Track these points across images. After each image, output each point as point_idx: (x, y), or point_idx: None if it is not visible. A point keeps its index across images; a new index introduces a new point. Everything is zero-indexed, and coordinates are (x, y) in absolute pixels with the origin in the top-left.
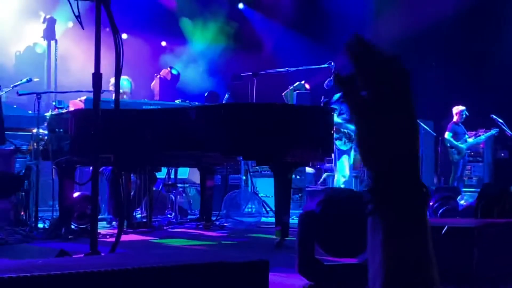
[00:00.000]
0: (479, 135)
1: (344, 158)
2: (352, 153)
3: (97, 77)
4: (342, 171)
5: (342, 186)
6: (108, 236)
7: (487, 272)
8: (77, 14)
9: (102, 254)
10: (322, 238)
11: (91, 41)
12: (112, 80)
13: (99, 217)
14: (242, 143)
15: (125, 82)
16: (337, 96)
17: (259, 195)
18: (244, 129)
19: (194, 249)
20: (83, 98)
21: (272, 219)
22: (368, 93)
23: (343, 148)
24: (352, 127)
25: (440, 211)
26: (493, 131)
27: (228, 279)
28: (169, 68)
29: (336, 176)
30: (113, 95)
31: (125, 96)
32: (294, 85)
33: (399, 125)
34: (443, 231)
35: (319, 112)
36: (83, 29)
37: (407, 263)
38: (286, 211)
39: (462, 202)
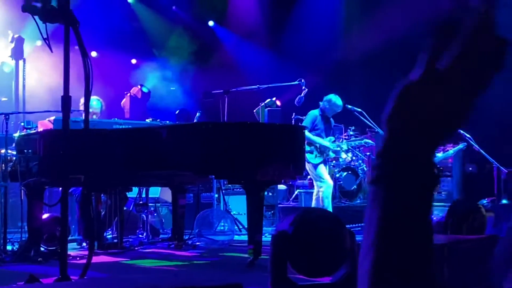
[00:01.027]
0: (448, 150)
1: (321, 167)
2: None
3: (66, 99)
4: (325, 180)
5: (326, 195)
6: (78, 258)
7: None
8: (45, 36)
9: (73, 279)
10: (295, 258)
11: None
12: (82, 100)
13: (69, 238)
14: (214, 162)
15: (95, 102)
16: (312, 112)
17: (232, 212)
18: (216, 148)
19: (166, 271)
20: (52, 118)
21: (245, 237)
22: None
23: (314, 161)
24: (323, 142)
25: None
26: (461, 146)
27: None
28: (139, 86)
29: (322, 188)
30: (83, 115)
31: (94, 116)
32: (265, 102)
33: (458, 104)
34: None
35: (290, 130)
36: (52, 51)
37: (403, 246)
38: (259, 229)
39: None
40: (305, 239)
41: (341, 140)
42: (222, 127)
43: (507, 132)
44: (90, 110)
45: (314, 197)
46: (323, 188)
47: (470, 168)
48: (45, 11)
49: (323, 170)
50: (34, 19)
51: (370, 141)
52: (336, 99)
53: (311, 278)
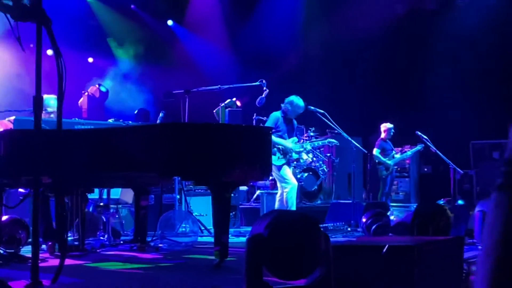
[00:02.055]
0: (405, 151)
1: (285, 169)
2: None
3: (38, 100)
4: (290, 181)
5: (291, 195)
6: (39, 261)
7: None
8: (17, 35)
9: (44, 284)
10: (270, 261)
11: (18, 59)
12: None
13: (28, 240)
14: (180, 163)
15: (52, 101)
16: (274, 114)
17: (194, 214)
18: (182, 149)
19: (139, 275)
20: (12, 118)
21: (208, 239)
22: None
23: (278, 163)
24: (286, 143)
25: (373, 227)
26: (418, 147)
27: None
28: (97, 85)
29: (286, 189)
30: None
31: (52, 115)
32: (226, 102)
33: None
34: (383, 250)
35: (256, 131)
36: (24, 51)
37: None
38: (225, 231)
39: (392, 217)
40: (280, 242)
41: (302, 141)
42: (188, 128)
43: (462, 134)
44: (49, 109)
45: (277, 198)
46: (287, 189)
47: (426, 169)
48: (17, 9)
49: (287, 171)
50: (7, 17)
51: (333, 140)
52: (298, 100)
53: (286, 281)
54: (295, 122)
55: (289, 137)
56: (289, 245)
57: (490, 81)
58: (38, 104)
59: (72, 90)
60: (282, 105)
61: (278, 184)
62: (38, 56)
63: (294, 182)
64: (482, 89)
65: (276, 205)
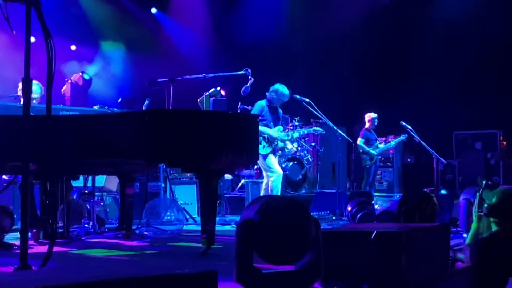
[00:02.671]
0: (389, 141)
1: (270, 158)
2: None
3: (27, 82)
4: (275, 170)
5: (276, 184)
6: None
7: (414, 275)
8: (6, 15)
9: (33, 267)
10: (261, 246)
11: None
12: (21, 84)
13: (14, 227)
14: (167, 150)
15: (35, 86)
16: (259, 103)
17: (179, 202)
18: (169, 136)
19: (130, 261)
20: None
21: (193, 227)
22: None
23: (263, 152)
24: (271, 132)
25: (358, 216)
26: (402, 137)
27: None
28: (80, 73)
29: (272, 178)
30: (21, 100)
31: (34, 101)
32: (210, 91)
33: None
34: (372, 237)
35: (244, 119)
36: (13, 32)
37: None
38: (212, 219)
39: (376, 206)
40: (271, 227)
41: (287, 130)
42: (175, 115)
43: (446, 125)
44: (32, 95)
45: (263, 187)
46: (273, 178)
47: (409, 159)
48: None
49: (273, 160)
50: None
51: (319, 128)
52: (283, 88)
53: (276, 266)
54: (280, 110)
55: (275, 126)
56: (279, 231)
57: (473, 72)
58: (27, 86)
59: (55, 77)
60: (267, 93)
61: (264, 173)
62: (27, 38)
63: (279, 171)
64: (465, 80)
65: (262, 194)
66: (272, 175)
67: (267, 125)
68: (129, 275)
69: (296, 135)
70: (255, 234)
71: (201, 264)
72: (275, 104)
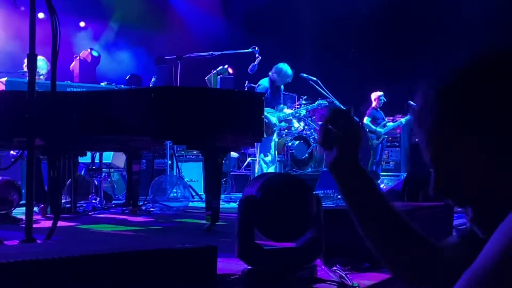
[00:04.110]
0: (397, 120)
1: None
2: (275, 138)
3: (32, 57)
4: (266, 150)
5: (266, 166)
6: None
7: None
8: None
9: (38, 241)
10: (262, 223)
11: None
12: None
13: (21, 202)
14: (173, 127)
15: (41, 62)
16: (263, 82)
17: (185, 179)
18: (175, 113)
19: (134, 236)
20: (4, 79)
21: (199, 204)
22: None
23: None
24: (271, 118)
25: None
26: (410, 116)
27: (177, 265)
28: (89, 50)
29: (258, 157)
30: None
31: (42, 77)
32: (217, 69)
33: None
34: None
35: (250, 97)
36: (18, 8)
37: None
38: (216, 196)
39: (382, 186)
40: (272, 204)
41: (294, 109)
42: (181, 92)
43: None
44: (40, 71)
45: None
46: (269, 158)
47: (417, 139)
48: None
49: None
50: None
51: (324, 101)
52: (286, 68)
53: (278, 243)
54: (282, 89)
55: (276, 105)
56: (281, 207)
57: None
58: (32, 62)
59: (64, 54)
60: (270, 73)
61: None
62: (32, 15)
63: (270, 152)
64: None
65: (256, 169)
66: (269, 157)
67: (270, 105)
68: (130, 249)
69: (303, 112)
70: (257, 211)
71: (204, 240)
72: (278, 84)
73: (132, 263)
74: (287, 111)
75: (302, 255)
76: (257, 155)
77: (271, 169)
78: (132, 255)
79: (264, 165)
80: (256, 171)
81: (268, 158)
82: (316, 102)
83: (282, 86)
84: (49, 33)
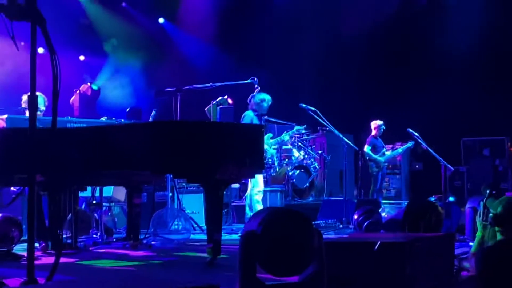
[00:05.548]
0: (396, 148)
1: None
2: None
3: (33, 98)
4: (257, 185)
5: (259, 199)
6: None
7: (418, 285)
8: (11, 34)
9: (40, 281)
10: (263, 257)
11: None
12: (24, 97)
13: (22, 238)
14: (173, 161)
15: (39, 98)
16: (248, 114)
17: (186, 211)
18: (175, 147)
19: (135, 274)
20: (4, 116)
21: (201, 236)
22: None
23: None
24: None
25: (365, 224)
26: (409, 144)
27: None
28: (89, 83)
29: (249, 191)
30: (27, 112)
31: (39, 113)
32: (217, 100)
33: None
34: (376, 247)
35: (249, 129)
36: (18, 50)
37: None
38: (218, 228)
39: (383, 214)
40: (273, 238)
41: (293, 138)
42: (181, 126)
43: (453, 131)
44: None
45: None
46: (254, 191)
47: (417, 166)
48: (12, 8)
49: (260, 177)
50: (1, 16)
51: (301, 128)
52: (266, 96)
53: (279, 278)
54: (263, 118)
55: (265, 134)
56: (282, 242)
57: (480, 79)
58: (33, 102)
59: (63, 88)
60: (250, 103)
61: (249, 183)
62: (32, 55)
63: (261, 187)
64: (473, 86)
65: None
66: (254, 189)
67: None
68: None
69: (286, 138)
70: (258, 245)
71: (205, 276)
72: (262, 112)
73: None
74: (272, 140)
75: None
76: (249, 188)
77: (259, 198)
78: None
79: (254, 196)
80: (247, 202)
81: (258, 189)
82: (295, 128)
83: (265, 116)
84: (45, 63)
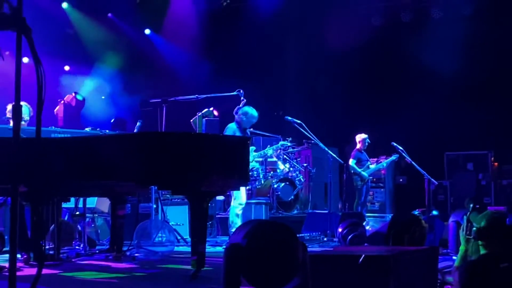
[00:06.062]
0: (381, 162)
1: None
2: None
3: (17, 108)
4: (239, 198)
5: (239, 213)
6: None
7: None
8: None
9: None
10: (248, 270)
11: None
12: (9, 107)
13: (4, 249)
14: (158, 172)
15: (24, 108)
16: (230, 126)
17: (170, 223)
18: (159, 159)
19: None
20: None
21: (185, 248)
22: None
23: None
24: None
25: (349, 237)
26: (393, 157)
27: None
28: (73, 94)
29: (232, 203)
30: (11, 122)
31: (23, 123)
32: (203, 112)
33: None
34: (360, 260)
35: (235, 141)
36: (3, 59)
37: None
38: (202, 240)
39: (368, 227)
40: (258, 251)
41: (278, 150)
42: (166, 137)
43: (437, 145)
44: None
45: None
46: (235, 203)
47: (401, 180)
48: None
49: (242, 190)
50: None
51: (285, 142)
52: (252, 110)
53: None
54: (248, 132)
55: None
56: (267, 255)
57: (464, 94)
58: (17, 112)
59: (48, 98)
60: (236, 116)
61: (232, 197)
62: (18, 65)
63: (243, 200)
64: (456, 100)
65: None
66: (235, 202)
67: None
68: None
69: (270, 152)
70: (243, 258)
71: None
72: (245, 126)
73: None
74: (255, 153)
75: None
76: (232, 200)
77: (239, 211)
78: None
79: (235, 209)
80: (230, 215)
81: (239, 202)
82: (280, 143)
83: (248, 131)
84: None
